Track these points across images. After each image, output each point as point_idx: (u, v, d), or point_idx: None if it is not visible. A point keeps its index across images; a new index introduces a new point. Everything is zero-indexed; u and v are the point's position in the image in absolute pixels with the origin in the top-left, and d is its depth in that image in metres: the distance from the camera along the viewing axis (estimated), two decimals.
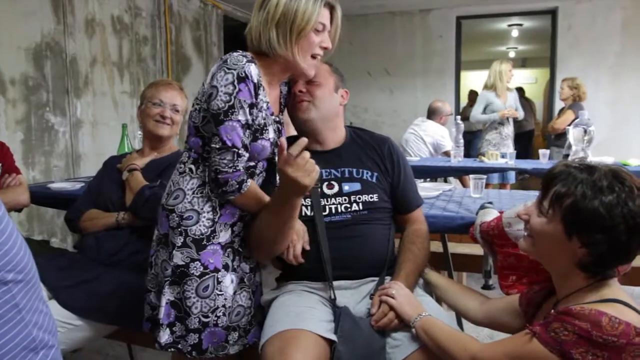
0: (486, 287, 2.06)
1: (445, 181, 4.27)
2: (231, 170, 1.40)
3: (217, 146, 1.39)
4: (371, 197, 1.63)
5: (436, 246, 2.61)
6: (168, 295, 1.47)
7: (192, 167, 1.49)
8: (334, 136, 1.71)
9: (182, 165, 1.51)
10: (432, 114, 4.71)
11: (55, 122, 3.72)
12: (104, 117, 4.16)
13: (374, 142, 1.75)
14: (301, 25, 1.42)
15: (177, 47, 5.06)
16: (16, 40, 3.40)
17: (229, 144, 1.38)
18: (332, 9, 1.49)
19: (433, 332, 1.32)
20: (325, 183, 1.63)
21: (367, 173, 1.66)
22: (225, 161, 1.39)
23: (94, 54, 4.06)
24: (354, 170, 1.66)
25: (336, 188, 1.63)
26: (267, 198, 1.53)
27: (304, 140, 1.37)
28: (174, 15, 4.98)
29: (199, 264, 1.44)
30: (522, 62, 11.38)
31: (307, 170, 1.35)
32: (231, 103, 1.36)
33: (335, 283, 1.56)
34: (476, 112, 4.88)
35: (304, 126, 1.67)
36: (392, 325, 1.43)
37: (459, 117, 4.40)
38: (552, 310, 1.15)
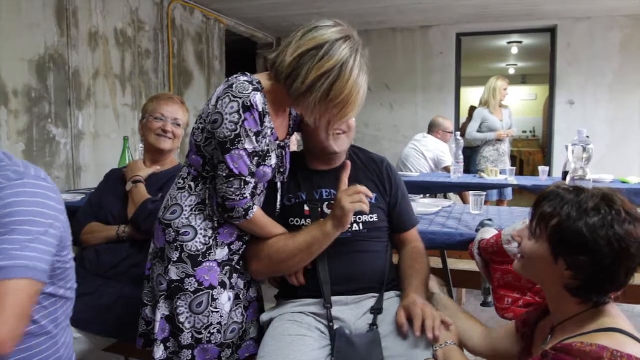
0: (485, 304, 2.05)
1: (445, 197, 4.27)
2: (238, 198, 1.41)
3: (224, 174, 1.39)
4: (371, 217, 1.64)
5: (436, 262, 2.61)
6: (163, 310, 1.47)
7: (192, 184, 1.49)
8: (341, 157, 1.73)
9: (182, 181, 1.51)
10: (431, 126, 4.74)
11: (57, 134, 3.73)
12: (105, 130, 4.18)
13: (372, 162, 1.77)
14: (341, 111, 1.45)
15: (180, 60, 5.10)
16: (20, 52, 3.43)
17: (236, 172, 1.38)
18: None
19: None
20: (326, 203, 1.64)
21: None
22: (232, 189, 1.40)
23: (97, 66, 4.08)
24: None
25: None
26: (272, 223, 1.54)
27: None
28: (176, 29, 5.02)
29: (194, 280, 1.44)
30: (522, 78, 11.44)
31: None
32: (237, 132, 1.36)
33: (335, 298, 1.56)
34: (472, 130, 4.90)
35: (333, 155, 1.68)
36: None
37: (458, 132, 4.42)
38: (549, 337, 1.13)
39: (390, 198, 1.72)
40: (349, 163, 1.58)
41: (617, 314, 1.09)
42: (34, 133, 3.55)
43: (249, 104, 1.35)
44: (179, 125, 2.08)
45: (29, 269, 1.01)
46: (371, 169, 1.74)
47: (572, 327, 1.09)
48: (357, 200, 1.45)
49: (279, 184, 1.63)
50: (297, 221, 1.61)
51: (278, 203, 1.63)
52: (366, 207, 1.46)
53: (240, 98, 1.35)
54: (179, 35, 5.07)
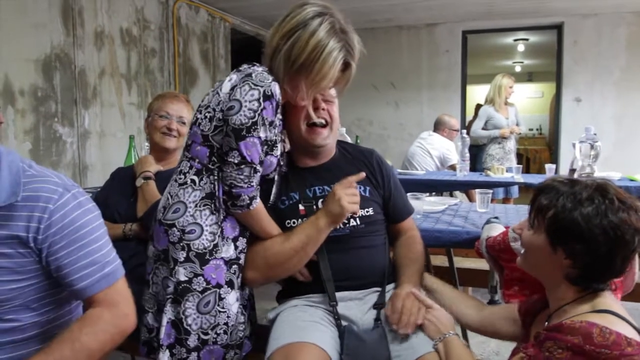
0: (492, 302, 2.04)
1: (451, 195, 4.26)
2: (246, 186, 1.41)
3: (236, 161, 1.38)
4: (367, 212, 1.63)
5: (442, 260, 2.60)
6: (169, 314, 1.44)
7: (195, 178, 1.46)
8: (329, 152, 1.72)
9: (183, 176, 1.48)
10: (437, 124, 4.73)
11: (63, 133, 3.75)
12: (111, 128, 4.19)
13: (361, 155, 1.76)
14: (313, 80, 1.42)
15: (185, 59, 5.10)
16: (26, 51, 3.44)
17: (249, 159, 1.38)
18: (347, 66, 1.47)
19: (451, 354, 1.35)
20: (320, 200, 1.62)
21: (360, 188, 1.63)
22: (242, 176, 1.40)
23: (103, 65, 4.09)
24: None
25: None
26: (270, 219, 1.53)
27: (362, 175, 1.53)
28: (182, 28, 5.02)
29: (202, 279, 1.42)
30: (529, 76, 11.39)
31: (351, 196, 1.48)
32: (255, 120, 1.36)
33: (340, 294, 1.56)
34: (477, 127, 4.90)
35: (316, 149, 1.66)
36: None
37: (464, 130, 4.40)
38: (546, 324, 1.15)
39: (384, 190, 1.71)
40: (363, 175, 1.57)
41: (612, 300, 1.12)
42: (41, 132, 3.56)
43: (270, 93, 1.37)
44: (184, 123, 2.07)
45: (121, 268, 1.24)
46: (361, 162, 1.73)
47: (567, 312, 1.13)
48: (355, 201, 1.48)
49: (275, 177, 1.61)
50: (293, 222, 1.59)
51: (272, 195, 1.62)
52: (358, 210, 1.51)
53: (262, 87, 1.36)
54: (184, 34, 5.08)
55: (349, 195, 1.47)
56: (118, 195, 2.02)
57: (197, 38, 5.28)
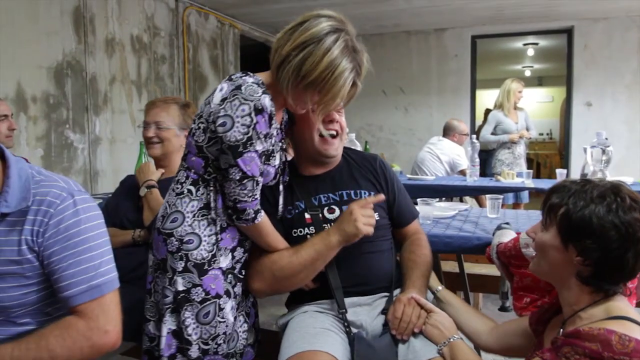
0: (503, 309, 2.03)
1: (461, 200, 4.24)
2: (250, 200, 1.40)
3: (237, 177, 1.37)
4: None
5: (452, 266, 2.59)
6: (169, 324, 1.43)
7: (192, 188, 1.45)
8: (336, 161, 1.71)
9: (180, 186, 1.46)
10: (446, 129, 4.71)
11: (74, 139, 3.78)
12: (122, 135, 4.22)
13: (365, 161, 1.76)
14: (322, 99, 1.39)
15: (195, 65, 5.13)
16: (38, 59, 3.48)
17: (249, 174, 1.37)
18: (353, 84, 1.43)
19: (457, 358, 1.34)
20: (326, 208, 1.62)
21: (365, 193, 1.64)
22: (245, 191, 1.38)
23: (114, 72, 4.13)
24: (352, 192, 1.65)
25: (337, 212, 1.60)
26: (275, 232, 1.52)
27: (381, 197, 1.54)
28: (191, 34, 5.06)
29: (201, 289, 1.41)
30: (539, 80, 11.34)
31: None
32: (249, 135, 1.34)
33: (349, 300, 1.55)
34: (486, 132, 4.89)
35: (326, 159, 1.66)
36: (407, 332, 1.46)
37: (474, 136, 4.39)
38: (561, 330, 1.14)
39: (387, 194, 1.70)
40: (382, 197, 1.57)
41: (627, 305, 1.11)
42: (52, 139, 3.60)
43: (260, 107, 1.34)
44: (161, 128, 1.98)
45: (113, 282, 1.20)
46: (365, 168, 1.73)
47: (582, 319, 1.12)
48: (371, 223, 1.47)
49: (280, 187, 1.61)
50: (300, 231, 1.59)
51: (280, 206, 1.62)
52: (372, 232, 1.49)
53: (252, 101, 1.33)
54: (194, 41, 5.11)
55: (366, 217, 1.46)
56: (128, 202, 2.03)
57: (206, 44, 5.31)
